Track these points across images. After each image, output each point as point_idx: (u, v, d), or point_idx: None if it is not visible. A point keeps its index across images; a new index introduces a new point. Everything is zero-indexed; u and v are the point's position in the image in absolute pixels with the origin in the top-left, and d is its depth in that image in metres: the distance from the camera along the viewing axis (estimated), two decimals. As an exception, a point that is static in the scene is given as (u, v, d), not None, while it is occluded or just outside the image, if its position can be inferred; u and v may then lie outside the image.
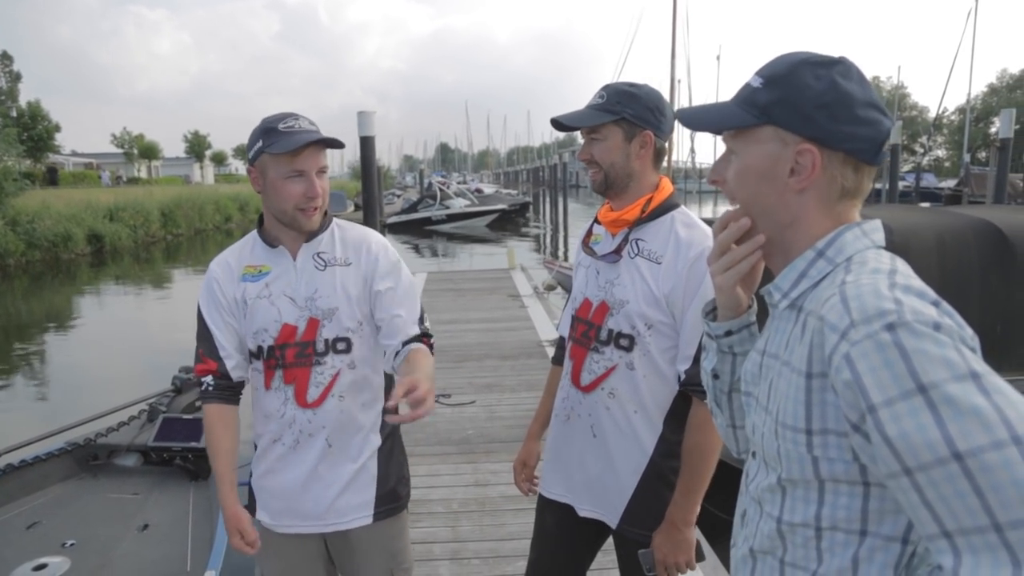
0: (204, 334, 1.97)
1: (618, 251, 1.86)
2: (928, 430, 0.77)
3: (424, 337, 1.96)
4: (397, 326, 1.93)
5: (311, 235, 1.93)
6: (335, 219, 2.02)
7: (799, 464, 0.95)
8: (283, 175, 1.81)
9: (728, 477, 1.98)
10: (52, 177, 40.83)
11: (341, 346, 1.93)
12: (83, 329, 13.51)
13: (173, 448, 3.98)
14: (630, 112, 1.81)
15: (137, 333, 12.72)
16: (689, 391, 1.80)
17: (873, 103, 1.00)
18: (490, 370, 6.70)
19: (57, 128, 41.95)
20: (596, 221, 2.00)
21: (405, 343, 1.92)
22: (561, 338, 2.17)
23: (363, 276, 1.96)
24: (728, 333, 1.22)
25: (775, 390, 1.01)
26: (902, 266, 0.96)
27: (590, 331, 1.89)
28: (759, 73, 1.06)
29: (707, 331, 1.26)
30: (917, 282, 0.90)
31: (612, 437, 1.88)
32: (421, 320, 2.01)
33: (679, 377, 1.82)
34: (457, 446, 4.97)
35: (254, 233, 2.00)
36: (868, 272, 0.92)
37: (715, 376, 1.28)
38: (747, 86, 1.06)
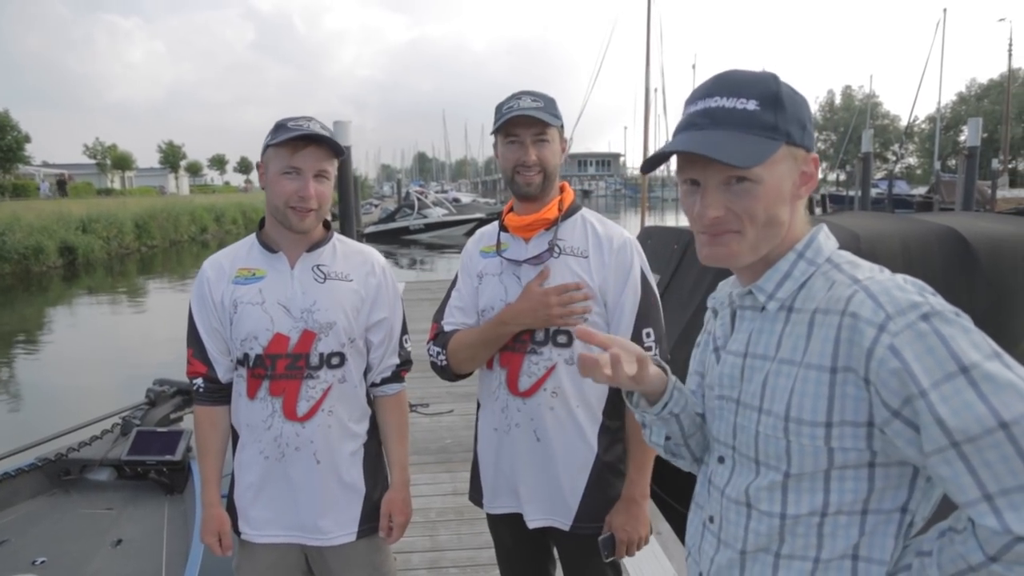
0: (194, 337, 1.95)
1: (550, 250, 1.88)
2: (975, 406, 0.86)
3: (402, 368, 2.08)
4: (381, 358, 2.03)
5: (313, 245, 1.93)
6: (336, 234, 2.01)
7: (813, 457, 1.00)
8: (280, 169, 1.81)
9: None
10: (62, 188, 41.40)
11: (335, 361, 1.91)
12: (55, 343, 13.31)
13: (147, 462, 3.93)
14: (561, 120, 1.90)
15: (111, 346, 12.57)
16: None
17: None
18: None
19: (27, 139, 41.31)
20: (503, 229, 1.98)
21: (384, 380, 2.05)
22: (443, 332, 2.02)
23: (363, 296, 1.97)
24: (664, 405, 1.23)
25: (775, 389, 1.04)
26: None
27: (523, 335, 1.88)
28: (739, 95, 1.04)
29: (643, 418, 1.29)
30: (911, 278, 0.99)
31: (557, 438, 1.89)
32: (402, 344, 2.09)
33: None
34: (435, 455, 4.98)
35: (253, 236, 1.98)
36: (869, 270, 1.01)
37: (667, 439, 1.29)
38: (734, 111, 1.03)
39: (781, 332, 1.06)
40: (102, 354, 11.85)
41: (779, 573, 1.05)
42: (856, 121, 54.62)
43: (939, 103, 46.74)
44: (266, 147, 1.84)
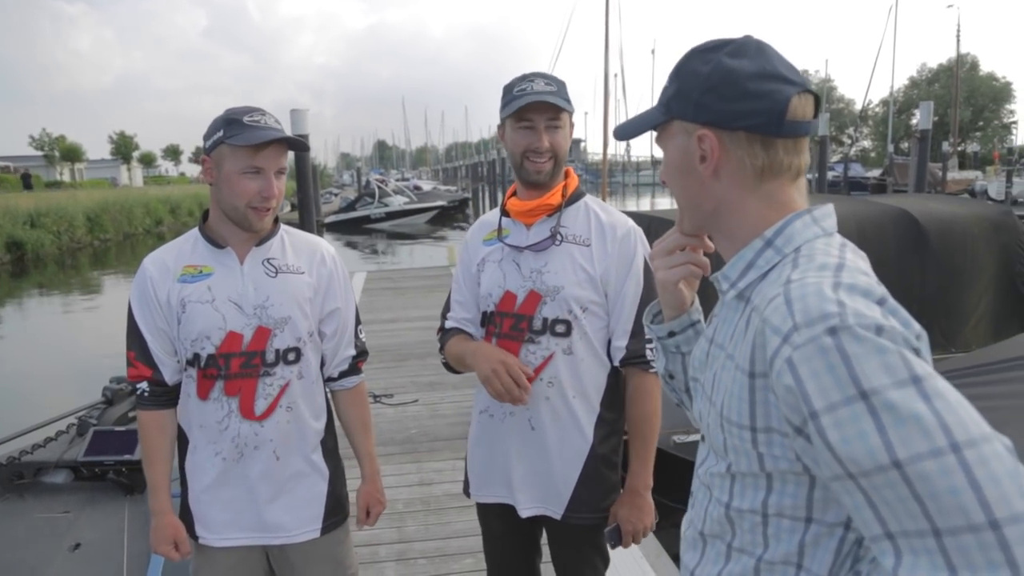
0: (136, 338, 1.87)
1: (552, 237, 1.86)
2: (869, 437, 0.77)
3: (359, 360, 2.06)
4: (335, 350, 2.01)
5: (261, 240, 1.88)
6: (283, 225, 1.97)
7: (746, 458, 0.96)
8: (240, 169, 1.74)
9: (662, 462, 2.07)
10: (26, 182, 40.27)
11: (292, 356, 1.88)
12: (4, 342, 12.93)
13: (105, 462, 3.84)
14: (572, 104, 1.86)
15: (64, 344, 12.25)
16: (632, 363, 1.87)
17: (768, 73, 0.97)
18: (432, 368, 6.68)
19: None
20: (504, 214, 1.96)
21: (342, 374, 2.03)
22: (444, 330, 2.06)
23: (315, 288, 1.93)
24: (671, 334, 1.24)
25: (719, 382, 1.00)
26: (851, 257, 0.94)
27: (520, 323, 1.87)
28: (670, 72, 1.07)
29: (651, 334, 1.29)
30: (863, 279, 0.88)
31: (551, 427, 1.88)
32: (357, 334, 2.06)
33: (617, 353, 1.88)
34: (400, 446, 4.96)
35: (195, 231, 1.90)
36: (815, 269, 0.90)
37: (670, 376, 1.29)
38: (663, 87, 1.08)
39: (735, 323, 1.01)
40: (56, 352, 11.55)
41: (729, 564, 1.02)
42: (811, 105, 55.14)
43: (892, 87, 47.70)
44: (218, 143, 1.76)
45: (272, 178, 1.77)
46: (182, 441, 1.94)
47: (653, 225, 4.82)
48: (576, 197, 1.93)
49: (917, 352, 0.81)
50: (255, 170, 1.75)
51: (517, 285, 1.88)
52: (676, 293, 1.20)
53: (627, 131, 1.15)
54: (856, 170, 35.88)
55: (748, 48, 0.99)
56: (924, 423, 0.75)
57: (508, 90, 1.85)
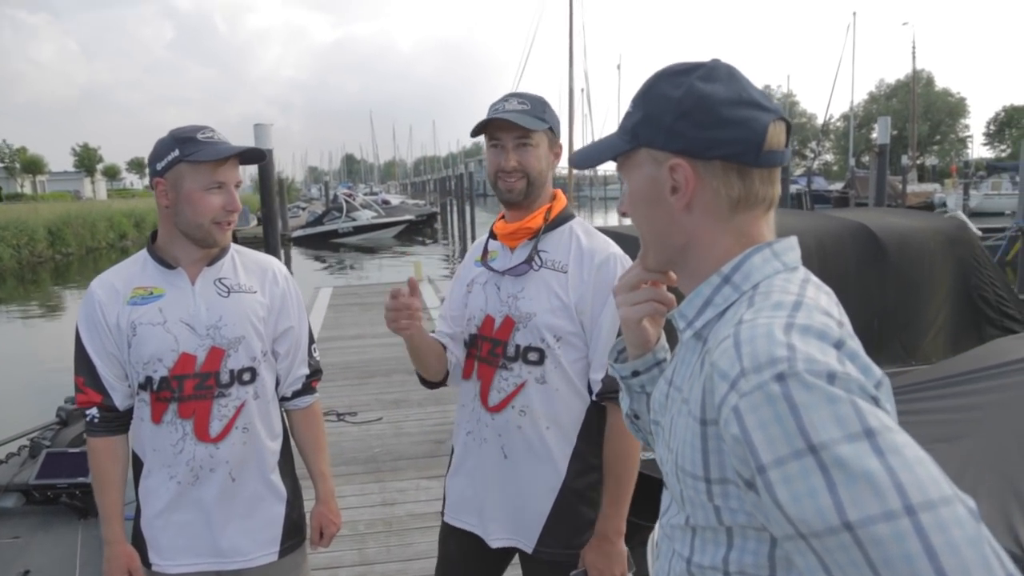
0: (85, 363, 1.84)
1: (528, 261, 1.82)
2: (819, 495, 0.70)
3: (313, 379, 2.05)
4: (289, 369, 1.99)
5: (213, 259, 1.86)
6: (233, 244, 1.95)
7: (703, 511, 0.90)
8: (203, 186, 1.73)
9: (649, 487, 2.01)
10: None
11: (247, 376, 1.86)
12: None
13: (58, 485, 3.73)
14: (552, 122, 1.83)
15: (20, 361, 11.94)
16: (607, 399, 1.80)
17: (743, 100, 0.93)
18: (397, 385, 6.63)
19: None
20: (491, 236, 1.94)
21: (295, 393, 2.02)
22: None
23: (269, 307, 1.91)
24: (635, 373, 1.18)
25: (675, 427, 0.94)
26: (812, 293, 0.89)
27: (496, 348, 1.84)
28: (632, 96, 1.02)
29: (614, 373, 1.23)
30: (820, 319, 0.82)
31: (524, 457, 1.84)
32: (311, 353, 2.05)
33: (593, 386, 1.82)
34: (363, 465, 4.89)
35: (144, 252, 1.88)
36: (769, 308, 0.84)
37: (635, 416, 1.23)
38: (626, 112, 1.02)
39: (692, 365, 0.94)
40: (10, 370, 11.24)
41: None
42: (775, 120, 56.23)
43: (852, 102, 48.81)
44: (175, 162, 1.74)
45: (234, 191, 1.79)
46: (136, 465, 1.90)
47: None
48: (561, 220, 1.88)
49: (876, 401, 0.75)
50: (218, 185, 1.75)
51: (496, 309, 1.85)
52: (640, 331, 1.14)
53: (587, 159, 1.08)
54: (819, 183, 36.53)
55: (720, 72, 0.95)
56: (876, 482, 0.69)
57: (488, 111, 1.83)
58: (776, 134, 0.94)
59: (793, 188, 25.41)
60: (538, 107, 1.80)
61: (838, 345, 0.79)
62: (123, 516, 1.87)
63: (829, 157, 67.20)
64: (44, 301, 18.66)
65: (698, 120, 0.92)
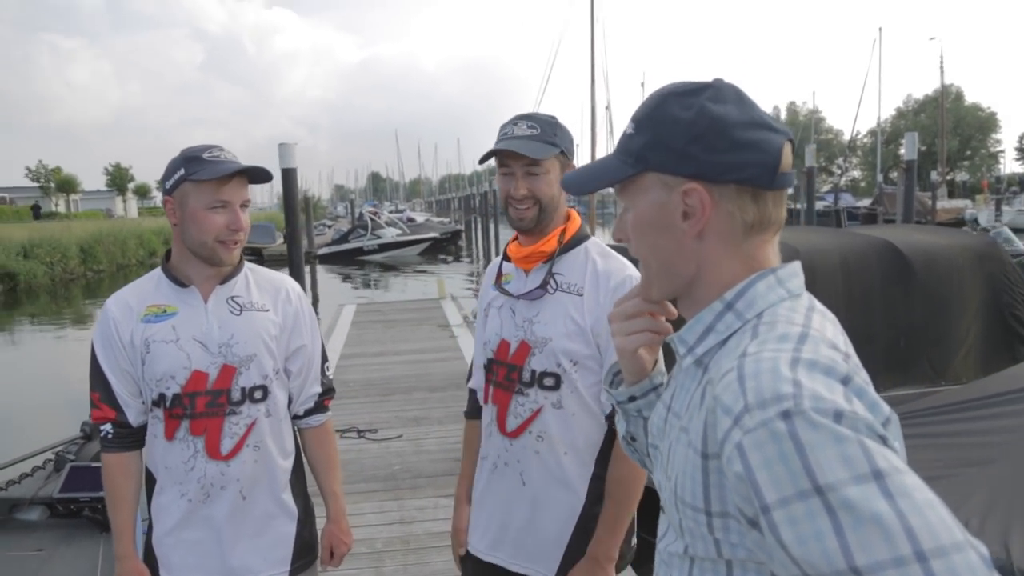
0: (100, 379, 1.85)
1: (543, 286, 1.79)
2: (826, 538, 0.68)
3: (325, 397, 2.05)
4: (301, 387, 1.99)
5: (226, 277, 1.86)
6: (246, 262, 1.96)
7: (702, 542, 0.87)
8: (206, 204, 1.74)
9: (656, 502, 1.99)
10: (36, 213, 42.42)
11: (258, 394, 1.86)
12: (-8, 374, 12.83)
13: (81, 499, 3.78)
14: (564, 144, 1.80)
15: (50, 375, 12.16)
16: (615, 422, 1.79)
17: (756, 122, 0.91)
18: (418, 403, 6.63)
19: (-39, 161, 40.21)
20: (506, 259, 1.92)
21: (307, 412, 2.01)
22: (472, 391, 2.07)
23: (281, 325, 1.92)
24: (632, 399, 1.15)
25: (674, 455, 0.91)
26: (818, 323, 0.87)
27: (512, 373, 1.81)
28: (632, 117, 0.97)
29: (610, 399, 1.20)
30: (826, 353, 0.80)
31: (542, 484, 1.80)
32: (323, 372, 2.05)
33: (605, 408, 1.78)
34: (383, 483, 4.88)
35: (159, 270, 1.90)
36: (774, 340, 0.82)
37: (632, 439, 1.20)
38: (624, 134, 0.98)
39: (692, 392, 0.91)
40: (41, 385, 11.45)
41: None
42: (801, 136, 56.11)
43: (879, 118, 48.49)
44: (180, 181, 1.76)
45: (238, 210, 1.78)
46: (149, 482, 1.91)
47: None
48: (576, 242, 1.84)
49: (884, 440, 0.73)
50: (221, 204, 1.75)
51: (511, 334, 1.83)
52: (635, 360, 1.11)
53: (583, 185, 1.03)
54: (846, 200, 36.20)
55: (728, 94, 0.92)
56: (886, 526, 0.66)
57: (498, 134, 1.81)
58: (788, 155, 0.92)
59: (820, 204, 25.17)
60: (548, 130, 1.77)
61: (845, 381, 0.77)
62: (135, 532, 1.88)
63: (856, 173, 66.59)
64: (75, 317, 18.99)
65: (712, 143, 0.89)
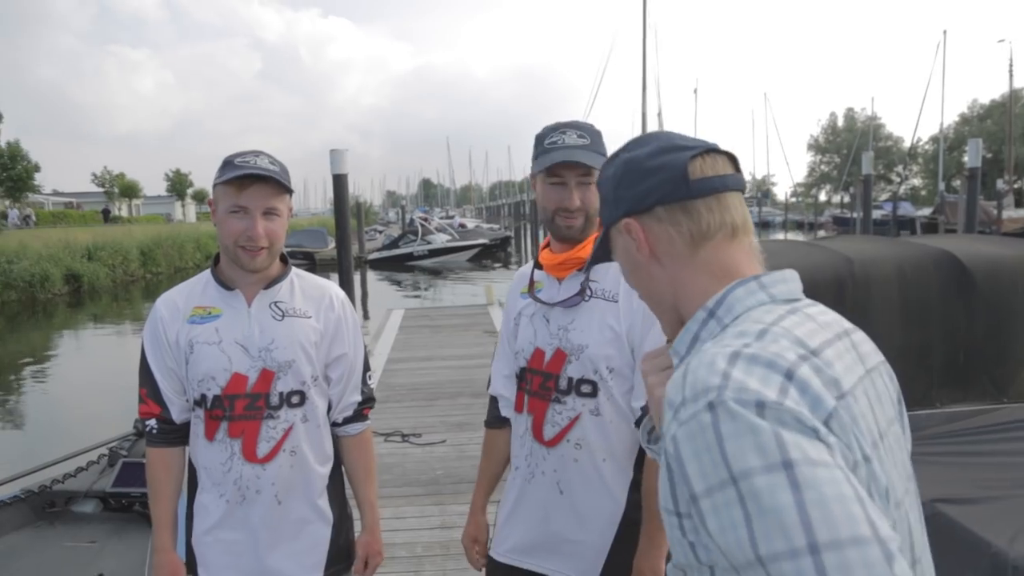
0: (147, 376, 1.90)
1: (581, 292, 1.78)
2: (738, 527, 0.70)
3: (365, 406, 2.04)
4: (341, 395, 1.99)
5: (270, 282, 1.88)
6: (294, 268, 1.97)
7: (680, 547, 0.86)
8: (227, 209, 1.77)
9: None
10: (106, 216, 45.47)
11: (296, 400, 1.87)
12: (55, 370, 13.33)
13: (132, 494, 3.89)
14: (606, 154, 1.74)
15: (109, 373, 12.55)
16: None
17: (664, 149, 0.98)
18: (462, 408, 6.65)
19: (36, 168, 41.87)
20: (537, 266, 1.90)
21: (346, 420, 2.01)
22: (493, 399, 2.04)
23: (322, 332, 1.92)
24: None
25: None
26: (788, 323, 0.87)
27: (548, 381, 1.80)
28: None
29: (653, 455, 1.15)
30: (774, 347, 0.81)
31: (581, 491, 1.79)
32: (364, 381, 2.04)
33: (635, 413, 1.76)
34: (425, 487, 4.90)
35: (208, 272, 1.93)
36: (731, 337, 0.85)
37: None
38: None
39: None
40: (101, 381, 11.84)
41: None
42: (859, 143, 54.77)
43: (942, 124, 46.97)
44: (215, 184, 1.80)
45: (257, 218, 1.77)
46: (192, 480, 1.94)
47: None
48: None
49: (816, 432, 0.73)
50: (239, 209, 1.77)
51: (546, 342, 1.81)
52: None
53: (595, 260, 1.17)
54: (906, 209, 35.20)
55: (646, 138, 1.03)
56: (784, 518, 0.67)
57: (540, 140, 1.79)
58: (705, 164, 0.97)
59: (878, 213, 24.52)
60: (596, 140, 1.76)
61: (788, 375, 0.77)
62: (174, 526, 1.91)
63: (917, 181, 64.62)
64: (134, 318, 19.59)
65: (629, 181, 0.99)
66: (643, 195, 0.98)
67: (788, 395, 0.75)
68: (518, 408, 1.90)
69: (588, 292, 1.78)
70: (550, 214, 1.78)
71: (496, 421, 2.02)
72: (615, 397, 1.76)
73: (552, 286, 1.85)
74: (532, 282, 1.90)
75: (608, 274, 1.80)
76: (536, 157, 1.79)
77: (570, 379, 1.77)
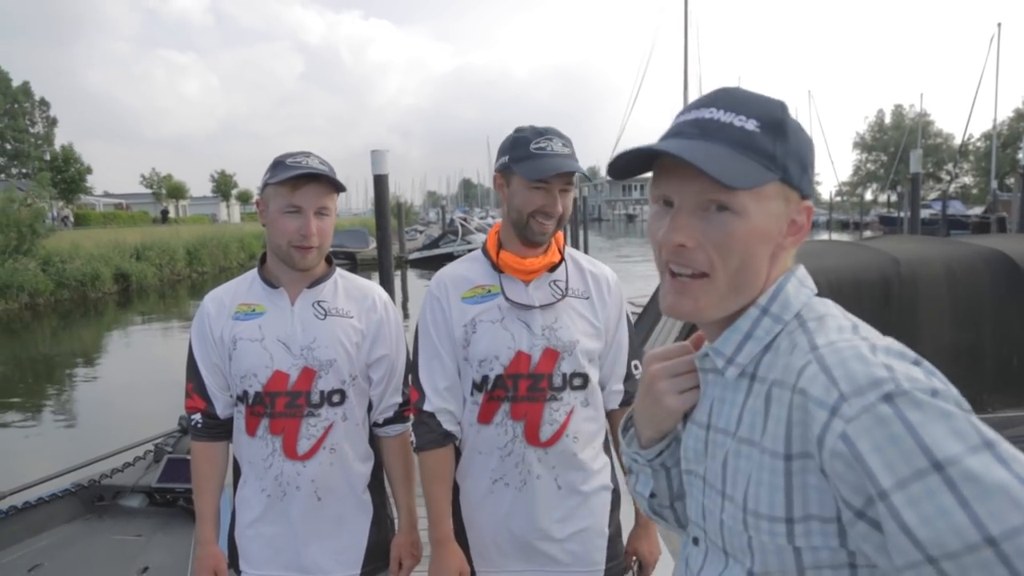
0: (194, 371, 1.94)
1: (562, 293, 1.84)
2: (952, 514, 0.68)
3: (405, 408, 2.01)
4: (382, 396, 2.00)
5: (314, 281, 1.91)
6: (338, 269, 1.99)
7: (777, 556, 0.84)
8: (281, 208, 1.79)
9: None
10: (164, 217, 48.09)
11: (336, 398, 1.89)
12: (105, 366, 13.72)
13: (177, 489, 3.97)
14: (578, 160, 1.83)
15: (156, 371, 12.84)
16: (627, 405, 1.89)
17: (808, 140, 0.95)
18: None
19: (89, 170, 43.16)
20: (498, 272, 1.84)
21: (387, 421, 2.00)
22: (429, 414, 1.84)
23: (364, 332, 1.94)
24: (660, 453, 1.10)
25: (736, 472, 0.88)
26: (852, 317, 0.88)
27: (539, 383, 1.79)
28: (739, 111, 0.89)
29: (637, 458, 1.12)
30: (889, 340, 0.81)
31: (579, 482, 1.83)
32: (406, 382, 2.02)
33: (617, 396, 1.91)
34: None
35: (254, 271, 1.96)
36: (835, 331, 0.82)
37: (652, 496, 1.14)
38: (730, 127, 0.88)
39: (743, 404, 0.90)
40: (147, 379, 12.12)
41: None
42: (907, 140, 53.50)
43: (995, 120, 45.58)
44: (265, 185, 1.83)
45: (311, 217, 1.79)
46: (237, 474, 1.98)
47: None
48: (563, 252, 1.91)
49: (972, 414, 0.73)
50: (294, 208, 1.79)
51: (530, 344, 1.79)
52: (674, 417, 1.04)
53: (733, 175, 0.84)
54: (956, 208, 34.27)
55: (785, 108, 0.95)
56: (1012, 492, 0.66)
57: (521, 143, 1.76)
58: None
59: (927, 212, 23.90)
60: (573, 148, 1.80)
61: (917, 363, 0.78)
62: (216, 518, 1.95)
63: (968, 179, 62.86)
64: (180, 316, 20.03)
65: (812, 164, 0.94)
66: (809, 187, 0.93)
67: (942, 381, 0.76)
68: (486, 419, 1.81)
69: (560, 292, 1.84)
70: (525, 216, 1.77)
71: (443, 439, 1.84)
72: (594, 386, 1.86)
73: (517, 288, 1.83)
74: (502, 285, 1.83)
75: (572, 274, 1.88)
76: (518, 160, 1.76)
77: (564, 375, 1.81)
